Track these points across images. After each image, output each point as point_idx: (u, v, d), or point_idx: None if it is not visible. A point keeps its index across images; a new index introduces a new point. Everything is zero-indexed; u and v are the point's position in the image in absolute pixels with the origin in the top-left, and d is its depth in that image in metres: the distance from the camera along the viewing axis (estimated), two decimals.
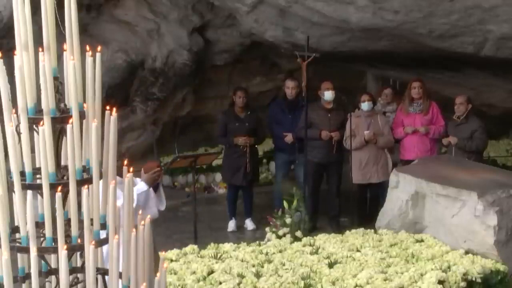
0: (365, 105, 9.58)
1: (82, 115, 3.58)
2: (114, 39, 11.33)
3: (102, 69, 3.65)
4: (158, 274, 3.72)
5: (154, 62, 11.61)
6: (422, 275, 6.54)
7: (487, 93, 12.89)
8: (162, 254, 4.16)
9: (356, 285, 6.40)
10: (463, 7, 8.21)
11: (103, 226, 3.64)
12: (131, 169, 3.66)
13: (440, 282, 6.48)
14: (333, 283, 6.47)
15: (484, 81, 12.13)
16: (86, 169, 3.61)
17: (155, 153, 11.64)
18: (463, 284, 6.59)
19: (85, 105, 3.61)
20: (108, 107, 3.60)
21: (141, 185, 5.83)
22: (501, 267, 6.90)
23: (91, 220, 3.54)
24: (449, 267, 6.75)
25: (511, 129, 14.36)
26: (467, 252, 7.14)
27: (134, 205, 5.35)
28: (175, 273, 6.73)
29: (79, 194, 3.52)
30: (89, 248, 3.48)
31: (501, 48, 8.99)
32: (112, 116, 3.58)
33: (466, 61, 10.14)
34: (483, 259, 6.96)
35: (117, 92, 11.15)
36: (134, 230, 3.62)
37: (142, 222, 3.68)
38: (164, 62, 11.63)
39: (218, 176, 11.97)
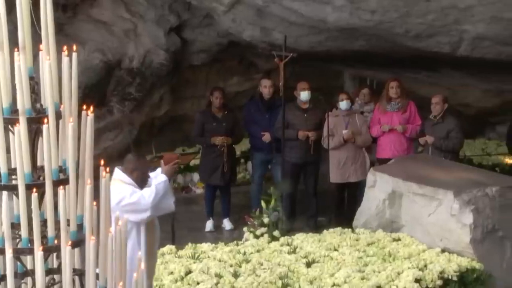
0: (343, 104, 9.61)
1: (58, 115, 3.55)
2: (91, 39, 11.27)
3: (78, 69, 3.62)
4: (135, 275, 3.70)
5: (131, 62, 11.56)
6: (399, 273, 6.58)
7: (463, 93, 12.99)
8: (139, 254, 4.14)
9: (334, 284, 6.43)
10: (439, 7, 8.26)
11: (80, 226, 3.62)
12: (107, 169, 3.64)
13: (417, 280, 6.52)
14: (311, 283, 6.49)
15: (460, 80, 12.22)
16: (62, 170, 3.59)
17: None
18: (439, 282, 6.64)
19: (61, 105, 3.58)
20: (84, 107, 3.58)
21: (161, 177, 5.78)
22: (477, 265, 6.96)
23: (68, 220, 3.52)
24: (425, 266, 6.79)
25: (487, 128, 14.48)
26: (443, 251, 7.19)
27: (154, 196, 5.49)
28: None
29: (55, 194, 3.50)
30: (65, 249, 3.45)
31: (476, 48, 9.06)
32: (89, 116, 3.56)
33: (442, 61, 10.20)
34: (459, 258, 7.02)
35: (93, 92, 11.09)
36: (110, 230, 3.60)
37: (119, 223, 3.66)
38: (141, 62, 11.58)
39: (196, 176, 11.94)
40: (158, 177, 5.79)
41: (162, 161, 5.98)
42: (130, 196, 5.53)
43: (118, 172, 5.69)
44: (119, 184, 5.58)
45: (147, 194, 5.58)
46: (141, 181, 5.72)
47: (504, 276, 7.12)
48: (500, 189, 7.28)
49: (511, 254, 7.28)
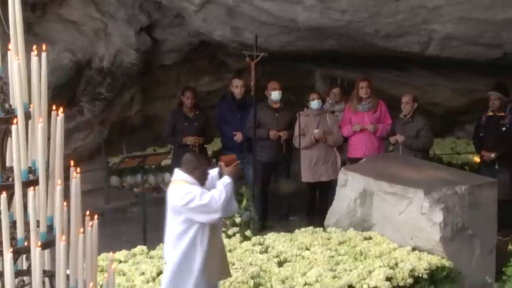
0: (314, 104, 9.64)
1: (27, 116, 3.52)
2: (60, 39, 11.18)
3: (47, 68, 3.60)
4: (106, 275, 3.69)
5: (101, 61, 11.49)
6: (370, 272, 6.62)
7: (432, 92, 13.11)
8: (110, 255, 4.12)
9: (306, 283, 6.44)
10: (409, 7, 8.32)
11: (50, 227, 3.59)
12: (78, 170, 3.62)
13: (388, 279, 6.56)
14: (283, 282, 6.50)
15: (429, 80, 12.33)
16: (32, 170, 3.56)
17: (103, 154, 11.53)
18: (410, 280, 6.68)
19: (30, 105, 3.55)
20: (54, 107, 3.55)
21: (226, 178, 5.82)
22: (447, 263, 7.02)
23: (38, 222, 3.49)
24: (396, 264, 6.84)
25: (456, 127, 14.62)
26: (414, 249, 7.23)
27: (224, 197, 5.57)
28: (123, 274, 6.67)
29: (25, 195, 3.47)
30: (35, 250, 3.42)
31: (445, 47, 9.15)
32: (59, 116, 3.54)
33: (412, 60, 10.29)
34: (429, 256, 7.07)
35: (63, 92, 11.00)
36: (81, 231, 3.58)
37: (90, 224, 3.64)
38: (112, 62, 11.52)
39: (168, 176, 11.89)
40: (223, 178, 5.83)
41: (222, 163, 6.01)
42: (200, 198, 5.60)
43: (179, 173, 5.81)
44: (184, 185, 5.70)
45: (217, 195, 5.65)
46: (202, 179, 5.82)
47: (473, 274, 7.18)
48: (469, 187, 7.35)
49: (480, 252, 7.35)
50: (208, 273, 5.74)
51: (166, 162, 11.03)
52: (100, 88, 11.52)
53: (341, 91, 10.87)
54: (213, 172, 6.01)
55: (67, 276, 3.57)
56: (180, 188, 5.69)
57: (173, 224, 5.75)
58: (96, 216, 3.76)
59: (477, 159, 10.40)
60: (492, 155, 9.28)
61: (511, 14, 7.86)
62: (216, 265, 5.84)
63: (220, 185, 5.74)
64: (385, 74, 12.14)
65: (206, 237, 5.71)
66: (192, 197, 5.59)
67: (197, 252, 5.69)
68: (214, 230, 5.82)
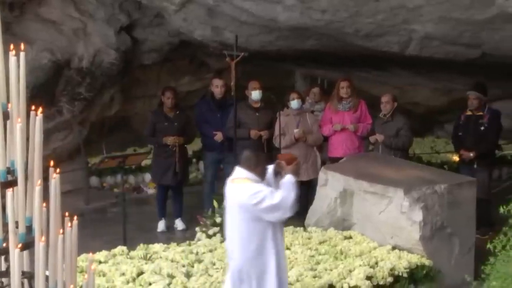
0: (294, 103, 9.66)
1: (6, 116, 3.49)
2: (39, 38, 11.11)
3: (26, 68, 3.57)
4: (86, 276, 3.66)
5: (80, 61, 11.44)
6: (350, 271, 6.64)
7: (412, 92, 13.18)
8: (90, 256, 4.09)
9: None
10: (388, 7, 8.35)
11: (29, 228, 3.56)
12: (57, 170, 3.59)
13: (368, 278, 6.59)
14: None
15: (409, 80, 12.39)
16: (10, 171, 3.53)
17: (82, 154, 11.47)
18: (390, 279, 6.72)
19: (9, 105, 3.52)
20: (33, 107, 3.53)
21: (290, 177, 5.83)
22: (426, 261, 7.06)
23: (17, 222, 3.46)
24: (376, 263, 6.87)
25: (435, 126, 14.71)
26: (394, 248, 7.27)
27: (293, 196, 5.64)
28: (103, 275, 6.65)
29: (3, 196, 3.44)
30: (14, 251, 3.40)
31: (425, 47, 9.19)
32: (38, 116, 3.51)
33: (392, 60, 10.33)
34: (409, 254, 7.11)
35: (42, 92, 10.93)
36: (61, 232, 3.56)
37: (70, 224, 3.62)
38: (91, 62, 11.47)
39: (148, 176, 11.89)
40: (287, 177, 5.83)
41: (283, 162, 6.01)
42: (271, 197, 5.64)
43: (241, 171, 5.84)
44: (250, 184, 5.74)
45: (287, 194, 5.68)
46: (263, 175, 5.87)
47: (452, 272, 7.23)
48: (448, 186, 7.39)
49: (459, 250, 7.40)
50: (278, 270, 5.78)
51: (146, 162, 11.00)
52: (80, 88, 11.46)
53: (320, 90, 10.90)
54: (269, 168, 6.04)
55: (47, 277, 3.54)
56: (247, 186, 5.72)
57: (239, 222, 5.78)
58: (75, 217, 3.74)
59: (456, 158, 10.47)
60: (471, 154, 9.34)
61: (490, 14, 7.91)
62: (284, 260, 5.93)
63: (287, 184, 5.76)
64: (365, 74, 12.18)
65: (273, 234, 5.76)
66: (263, 197, 5.63)
67: (265, 250, 5.73)
68: (280, 228, 5.88)
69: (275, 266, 5.75)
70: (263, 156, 6.29)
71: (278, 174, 6.01)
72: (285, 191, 5.70)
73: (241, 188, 5.74)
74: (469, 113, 9.51)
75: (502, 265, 3.38)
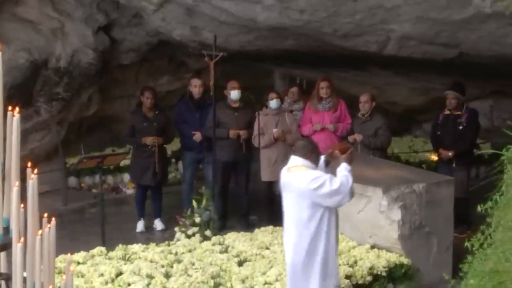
0: (273, 103, 9.67)
1: None
2: (16, 38, 11.02)
3: (3, 68, 3.54)
4: (64, 277, 3.64)
5: (58, 61, 11.37)
6: None
7: (390, 92, 13.24)
8: (68, 257, 4.07)
9: (266, 283, 6.45)
10: (367, 7, 8.38)
11: (7, 229, 3.53)
12: (35, 171, 3.57)
13: (347, 277, 6.61)
14: (243, 281, 6.50)
15: (387, 79, 12.45)
16: None
17: (60, 154, 11.41)
18: (369, 278, 6.75)
19: None
20: (10, 108, 3.50)
21: (345, 165, 5.98)
22: (405, 260, 7.09)
23: None
24: (355, 262, 6.89)
25: (414, 126, 14.79)
26: (373, 247, 7.30)
27: (351, 182, 5.79)
28: (82, 276, 6.61)
29: None
30: None
31: (403, 47, 9.24)
32: (15, 116, 3.48)
33: (370, 60, 10.37)
34: (388, 253, 7.14)
35: (19, 92, 10.85)
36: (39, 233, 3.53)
37: (48, 225, 3.59)
38: (69, 62, 11.40)
39: (126, 177, 11.86)
40: (343, 165, 5.98)
41: (337, 151, 6.17)
42: (331, 183, 5.77)
43: (296, 159, 6.00)
44: (309, 170, 5.89)
45: (345, 180, 5.82)
46: (317, 163, 6.04)
47: (431, 270, 7.27)
48: (426, 185, 7.43)
49: (438, 249, 7.44)
50: (325, 254, 5.90)
51: (125, 162, 10.97)
52: (57, 88, 11.39)
53: (299, 90, 10.92)
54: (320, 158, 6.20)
55: (24, 279, 3.52)
56: (306, 173, 5.86)
57: (297, 209, 5.90)
58: (53, 218, 3.72)
59: (434, 157, 10.54)
60: (450, 154, 9.40)
61: (467, 14, 7.97)
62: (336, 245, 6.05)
63: (344, 170, 5.90)
64: (344, 74, 12.22)
65: (329, 220, 5.88)
66: (322, 182, 5.76)
67: (323, 236, 5.85)
68: (336, 213, 6.00)
69: (323, 251, 5.87)
70: (316, 143, 6.43)
71: (328, 163, 6.18)
72: (343, 177, 5.85)
73: (300, 175, 5.88)
74: (447, 112, 9.57)
75: (480, 263, 3.40)
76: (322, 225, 5.85)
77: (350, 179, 5.85)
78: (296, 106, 10.58)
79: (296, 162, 5.99)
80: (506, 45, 8.41)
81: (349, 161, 6.05)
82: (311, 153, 6.00)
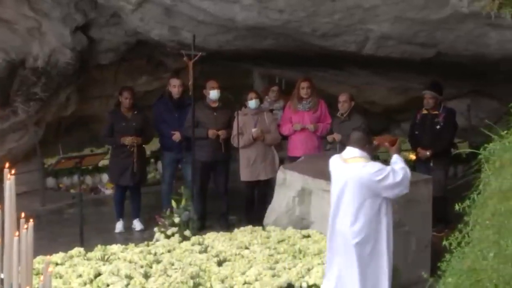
0: (252, 103, 9.67)
1: None
2: None
3: None
4: (42, 279, 3.62)
5: (35, 61, 11.28)
6: (309, 269, 6.67)
7: (369, 91, 13.26)
8: (46, 258, 4.05)
9: (245, 282, 6.46)
10: (345, 7, 8.41)
11: None
12: (12, 171, 3.55)
13: None
14: (222, 281, 6.50)
15: (366, 79, 12.48)
16: None
17: (38, 155, 11.34)
18: None
19: None
20: None
21: (397, 156, 6.34)
22: None
23: None
24: None
25: (392, 125, 14.83)
26: None
27: (409, 173, 6.10)
28: (60, 277, 6.58)
29: None
30: None
31: (381, 46, 9.27)
32: None
33: (349, 59, 10.39)
34: None
35: None
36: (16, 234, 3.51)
37: (25, 226, 3.57)
38: (46, 61, 11.32)
39: (105, 177, 11.80)
40: (395, 156, 6.32)
41: (387, 144, 6.56)
42: (394, 175, 6.06)
43: (354, 150, 6.23)
44: (369, 162, 6.17)
45: (405, 173, 6.10)
46: (372, 154, 6.37)
47: (409, 269, 7.28)
48: None
49: (416, 248, 7.47)
50: (388, 241, 6.18)
51: (104, 162, 10.92)
52: (35, 88, 11.30)
53: (279, 89, 10.93)
54: None
55: (1, 280, 3.49)
56: (369, 165, 6.14)
57: (356, 198, 6.09)
58: (31, 219, 3.70)
59: (412, 156, 10.58)
60: (428, 153, 9.46)
61: (444, 14, 8.01)
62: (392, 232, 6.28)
63: (400, 162, 6.18)
64: (323, 73, 12.24)
65: (386, 210, 6.12)
66: (386, 174, 6.04)
67: (380, 224, 6.10)
68: (392, 203, 6.25)
69: (386, 238, 6.12)
70: (372, 136, 6.73)
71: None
72: (403, 169, 6.07)
73: (362, 166, 6.11)
74: (425, 112, 9.63)
75: (457, 262, 3.43)
76: (379, 214, 6.10)
77: (409, 172, 6.11)
78: (276, 105, 10.59)
79: (353, 153, 6.20)
80: (483, 45, 8.47)
81: (399, 152, 6.39)
82: (368, 145, 6.28)
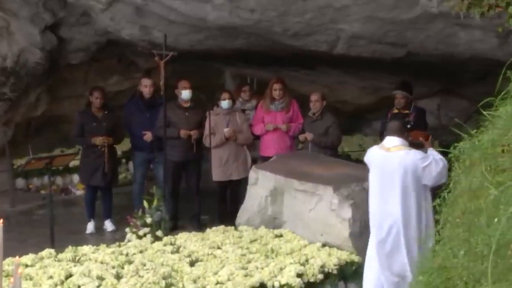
0: (225, 103, 9.64)
1: None
2: None
3: None
4: (12, 280, 3.58)
5: (4, 61, 11.15)
6: (281, 269, 6.67)
7: (340, 90, 13.33)
8: (16, 259, 4.00)
9: (218, 282, 6.44)
10: (316, 7, 8.43)
11: None
12: None
13: (299, 275, 6.63)
14: (195, 281, 6.47)
15: (337, 78, 12.54)
16: None
17: (7, 155, 11.22)
18: (320, 276, 6.78)
19: None
20: None
21: (431, 149, 6.54)
22: (356, 258, 7.15)
23: None
24: (307, 261, 6.92)
25: (364, 124, 14.91)
26: (324, 245, 7.34)
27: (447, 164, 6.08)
28: (30, 279, 6.51)
29: None
30: None
31: (352, 46, 9.31)
32: None
33: (320, 59, 10.43)
34: (339, 251, 7.19)
35: None
36: None
37: None
38: (15, 61, 11.20)
39: (76, 178, 11.72)
40: (429, 150, 6.53)
41: (421, 139, 6.96)
42: (436, 164, 6.29)
43: (395, 139, 6.48)
44: (412, 150, 6.43)
45: (445, 162, 6.20)
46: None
47: None
48: None
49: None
50: (418, 224, 6.37)
51: (74, 163, 10.83)
52: (4, 88, 11.18)
53: (250, 89, 10.93)
54: None
55: None
56: (413, 152, 6.39)
57: (402, 186, 6.31)
58: (1, 220, 3.65)
59: None
60: None
61: (414, 14, 8.07)
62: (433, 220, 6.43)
63: (438, 154, 6.38)
64: (294, 73, 12.27)
65: (426, 196, 6.34)
66: (430, 162, 6.29)
67: (423, 210, 6.34)
68: (429, 190, 6.42)
69: (425, 222, 6.33)
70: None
71: None
72: (442, 160, 6.27)
73: (407, 153, 6.38)
74: (395, 111, 9.69)
75: (428, 260, 3.45)
76: (420, 200, 6.33)
77: (446, 163, 6.21)
78: (248, 105, 10.58)
79: (395, 142, 6.46)
80: (452, 44, 8.55)
81: (433, 146, 6.70)
82: (406, 134, 6.61)
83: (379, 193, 6.47)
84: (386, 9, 8.17)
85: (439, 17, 7.91)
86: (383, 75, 11.59)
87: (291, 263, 6.77)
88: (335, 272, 6.91)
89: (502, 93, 3.50)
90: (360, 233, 7.30)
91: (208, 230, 8.10)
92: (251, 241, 7.52)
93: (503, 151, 3.18)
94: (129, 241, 8.05)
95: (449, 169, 4.04)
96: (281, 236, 7.68)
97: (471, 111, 12.33)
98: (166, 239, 7.77)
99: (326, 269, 6.86)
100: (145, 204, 8.61)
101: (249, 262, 6.93)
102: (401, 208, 6.32)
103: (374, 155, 6.60)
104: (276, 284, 6.48)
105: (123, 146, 11.62)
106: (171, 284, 6.41)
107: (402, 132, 6.53)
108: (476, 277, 2.80)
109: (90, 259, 7.07)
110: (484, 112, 3.53)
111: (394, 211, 6.36)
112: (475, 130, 3.71)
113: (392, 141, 6.47)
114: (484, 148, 3.29)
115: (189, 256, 7.10)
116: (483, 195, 3.03)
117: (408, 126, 9.50)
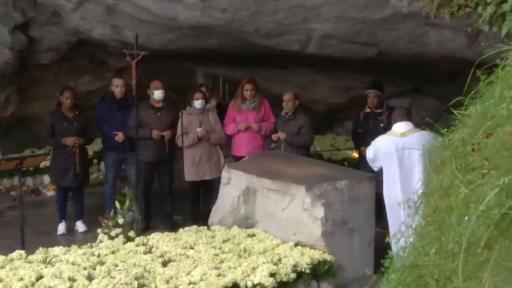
0: (198, 103, 9.62)
1: None
2: None
3: None
4: None
5: None
6: (254, 269, 6.67)
7: (312, 90, 13.38)
8: None
9: (190, 283, 6.42)
10: (288, 6, 8.44)
11: None
12: None
13: (272, 274, 6.63)
14: (167, 282, 6.44)
15: (309, 78, 12.58)
16: None
17: None
18: (293, 275, 6.78)
19: None
20: None
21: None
22: (328, 257, 7.17)
23: None
24: (280, 260, 6.92)
25: (336, 124, 14.99)
26: (296, 245, 7.35)
27: None
28: (0, 281, 6.44)
29: None
30: None
31: (324, 46, 9.34)
32: None
33: (292, 58, 10.45)
34: (311, 250, 7.20)
35: None
36: None
37: None
38: None
39: (47, 178, 11.63)
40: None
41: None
42: None
43: (406, 124, 7.07)
44: (424, 131, 6.86)
45: None
46: None
47: (354, 266, 7.37)
48: (348, 182, 7.53)
49: (360, 245, 7.55)
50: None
51: (45, 163, 10.75)
52: None
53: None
54: None
55: None
56: (426, 132, 6.76)
57: (420, 163, 6.69)
58: None
59: (356, 155, 10.69)
60: None
61: (385, 13, 8.11)
62: None
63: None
64: (266, 72, 12.28)
65: None
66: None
67: None
68: None
69: None
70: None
71: None
72: None
73: (422, 135, 6.81)
74: (368, 110, 9.74)
75: (400, 258, 3.47)
76: None
77: None
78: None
79: (407, 126, 7.01)
80: (423, 44, 8.61)
81: None
82: (411, 117, 7.01)
83: (400, 175, 6.89)
84: (357, 9, 8.21)
85: (409, 17, 7.96)
86: (355, 75, 11.65)
87: (264, 263, 6.77)
88: (307, 271, 6.92)
89: (472, 93, 3.53)
90: (332, 232, 7.33)
91: (180, 230, 8.07)
92: (224, 241, 7.51)
93: (473, 149, 3.21)
94: (101, 241, 7.99)
95: None
96: (253, 235, 7.68)
97: (441, 110, 12.45)
98: (138, 239, 7.72)
99: (299, 268, 6.87)
100: (117, 204, 8.56)
101: (222, 262, 6.91)
102: (425, 184, 6.55)
103: (387, 143, 6.98)
104: (249, 283, 6.47)
105: (95, 147, 11.56)
106: (144, 285, 6.37)
107: (410, 116, 6.94)
108: (447, 275, 2.82)
109: (61, 261, 7.00)
110: (455, 111, 3.56)
111: (418, 188, 6.55)
112: (445, 129, 3.74)
113: (404, 126, 7.00)
114: (454, 147, 3.31)
115: (162, 256, 7.07)
116: (454, 193, 3.05)
117: (381, 125, 9.59)
